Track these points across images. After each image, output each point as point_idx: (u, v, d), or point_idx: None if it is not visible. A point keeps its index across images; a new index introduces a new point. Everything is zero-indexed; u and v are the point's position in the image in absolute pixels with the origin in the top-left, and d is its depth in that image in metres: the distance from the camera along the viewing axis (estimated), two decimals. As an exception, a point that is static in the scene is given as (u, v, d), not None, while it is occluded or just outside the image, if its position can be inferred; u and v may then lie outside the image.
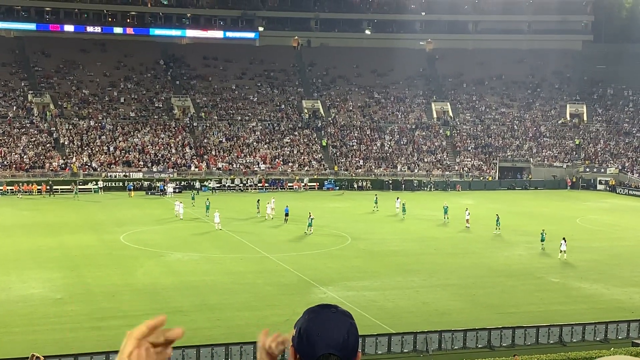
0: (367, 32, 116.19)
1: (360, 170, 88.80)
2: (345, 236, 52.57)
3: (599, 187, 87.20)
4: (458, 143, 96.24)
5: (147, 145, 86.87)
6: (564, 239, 45.11)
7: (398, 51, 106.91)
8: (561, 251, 44.65)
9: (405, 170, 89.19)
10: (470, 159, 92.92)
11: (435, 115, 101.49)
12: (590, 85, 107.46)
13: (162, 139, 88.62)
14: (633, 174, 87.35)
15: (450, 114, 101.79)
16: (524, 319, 31.85)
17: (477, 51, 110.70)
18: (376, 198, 67.22)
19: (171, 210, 60.88)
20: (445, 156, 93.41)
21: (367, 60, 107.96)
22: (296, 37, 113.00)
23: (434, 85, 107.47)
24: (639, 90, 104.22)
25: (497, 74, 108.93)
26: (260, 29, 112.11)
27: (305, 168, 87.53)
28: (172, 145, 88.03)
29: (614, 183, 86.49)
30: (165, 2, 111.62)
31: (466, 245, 50.45)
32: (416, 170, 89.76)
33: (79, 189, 74.51)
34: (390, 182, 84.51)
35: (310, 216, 53.14)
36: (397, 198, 66.38)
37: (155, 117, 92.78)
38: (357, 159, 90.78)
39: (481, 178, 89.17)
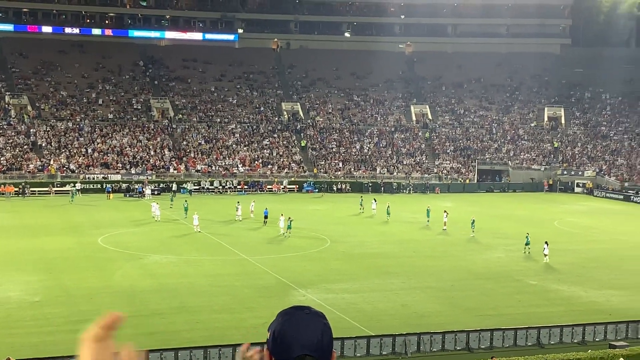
0: (347, 34, 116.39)
1: (339, 172, 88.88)
2: (325, 238, 52.57)
3: (577, 189, 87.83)
4: (437, 146, 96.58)
5: (126, 147, 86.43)
6: (546, 242, 45.25)
7: (377, 54, 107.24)
8: (544, 255, 44.73)
9: (384, 173, 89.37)
10: (449, 162, 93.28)
11: (414, 118, 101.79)
12: (568, 89, 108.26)
13: (141, 140, 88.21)
14: (610, 177, 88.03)
15: (430, 116, 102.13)
16: (502, 321, 31.98)
17: (456, 54, 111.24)
18: (362, 200, 67.27)
19: (149, 212, 60.56)
20: (424, 159, 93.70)
21: (347, 62, 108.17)
22: (276, 40, 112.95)
23: (413, 88, 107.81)
24: (616, 93, 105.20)
25: (476, 77, 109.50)
26: (240, 31, 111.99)
27: (285, 170, 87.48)
28: (150, 147, 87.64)
29: (591, 186, 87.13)
30: (144, 4, 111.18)
31: (445, 247, 50.59)
32: (395, 173, 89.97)
33: (58, 190, 74.07)
34: (370, 184, 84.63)
35: (287, 218, 52.99)
36: (374, 200, 66.59)
37: (134, 118, 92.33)
38: (336, 162, 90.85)
39: (460, 180, 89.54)
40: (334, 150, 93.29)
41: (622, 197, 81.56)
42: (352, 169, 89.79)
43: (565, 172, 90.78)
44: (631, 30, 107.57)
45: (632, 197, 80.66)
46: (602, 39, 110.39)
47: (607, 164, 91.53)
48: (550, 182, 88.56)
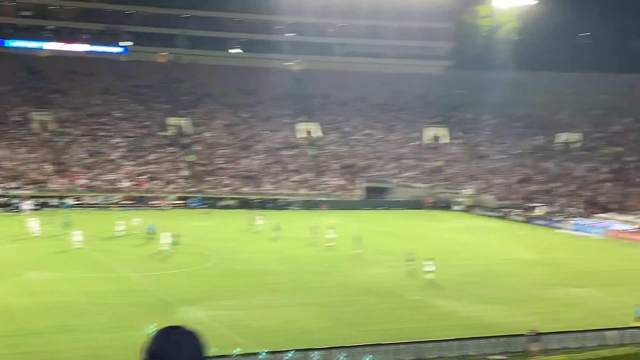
0: (236, 51, 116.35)
1: (226, 188, 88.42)
2: (211, 255, 52.16)
3: (456, 207, 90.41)
4: (324, 163, 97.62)
5: (4, 161, 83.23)
6: (428, 259, 45.94)
7: (266, 71, 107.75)
8: (427, 271, 45.39)
9: (271, 189, 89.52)
10: (335, 179, 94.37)
11: (302, 135, 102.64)
12: (450, 109, 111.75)
13: (20, 154, 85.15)
14: (488, 196, 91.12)
15: (317, 134, 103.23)
16: (385, 336, 32.55)
17: (344, 73, 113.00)
18: (252, 217, 66.79)
19: (27, 227, 58.41)
20: (311, 175, 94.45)
21: (236, 79, 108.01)
22: (164, 54, 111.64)
23: (301, 106, 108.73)
24: (495, 115, 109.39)
25: (362, 96, 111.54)
26: (127, 43, 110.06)
27: (171, 186, 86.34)
28: (30, 160, 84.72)
29: (470, 204, 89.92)
30: (25, 14, 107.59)
31: (330, 264, 51.10)
32: (282, 190, 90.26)
33: None
34: (257, 201, 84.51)
35: (173, 234, 52.31)
36: (261, 216, 66.56)
37: (13, 131, 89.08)
38: (223, 177, 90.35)
39: (346, 198, 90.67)
40: (221, 166, 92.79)
41: (498, 214, 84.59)
42: (240, 185, 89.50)
43: (446, 191, 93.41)
44: (508, 54, 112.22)
45: (507, 214, 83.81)
46: (482, 61, 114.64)
47: (485, 183, 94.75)
48: (432, 200, 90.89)
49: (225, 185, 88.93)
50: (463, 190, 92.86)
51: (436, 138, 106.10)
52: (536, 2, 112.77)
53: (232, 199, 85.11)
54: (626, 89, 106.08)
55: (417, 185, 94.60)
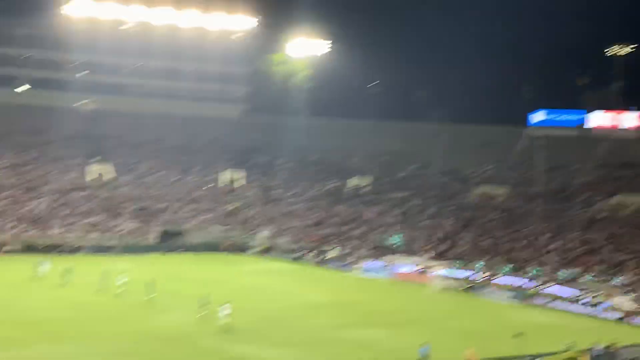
0: (23, 88, 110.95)
1: (11, 232, 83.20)
2: (-10, 304, 48.67)
3: (252, 251, 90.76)
4: (117, 205, 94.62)
5: None
6: (224, 303, 45.34)
7: (57, 110, 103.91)
8: (222, 315, 44.74)
9: (60, 233, 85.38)
10: (129, 222, 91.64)
11: (94, 177, 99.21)
12: (246, 153, 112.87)
13: None
14: (283, 239, 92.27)
15: (110, 175, 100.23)
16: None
17: (139, 114, 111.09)
18: (37, 263, 62.88)
19: None
20: (103, 218, 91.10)
21: (22, 117, 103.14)
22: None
23: (94, 146, 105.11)
24: (290, 159, 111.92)
25: (157, 137, 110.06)
26: None
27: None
28: None
29: (265, 247, 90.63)
30: None
31: (121, 310, 49.30)
32: (72, 233, 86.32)
33: None
34: (43, 245, 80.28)
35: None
36: (46, 262, 62.93)
37: None
38: (7, 221, 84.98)
39: (140, 241, 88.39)
40: (5, 208, 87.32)
41: (293, 257, 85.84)
42: (25, 229, 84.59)
43: (242, 234, 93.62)
44: (303, 100, 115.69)
45: (302, 257, 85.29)
46: (278, 106, 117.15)
47: (281, 226, 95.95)
48: (228, 244, 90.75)
49: (9, 229, 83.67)
50: (259, 234, 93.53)
51: (233, 181, 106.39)
52: (328, 51, 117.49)
53: (17, 243, 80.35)
54: (412, 137, 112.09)
55: (213, 228, 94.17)
